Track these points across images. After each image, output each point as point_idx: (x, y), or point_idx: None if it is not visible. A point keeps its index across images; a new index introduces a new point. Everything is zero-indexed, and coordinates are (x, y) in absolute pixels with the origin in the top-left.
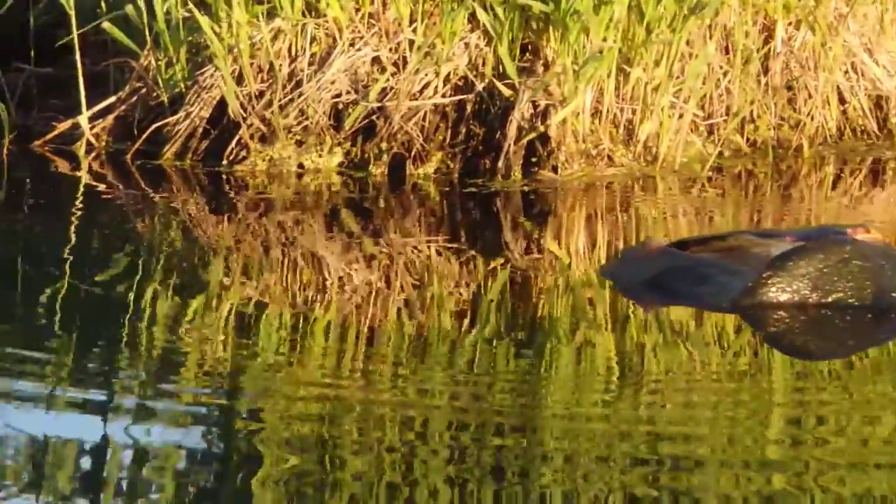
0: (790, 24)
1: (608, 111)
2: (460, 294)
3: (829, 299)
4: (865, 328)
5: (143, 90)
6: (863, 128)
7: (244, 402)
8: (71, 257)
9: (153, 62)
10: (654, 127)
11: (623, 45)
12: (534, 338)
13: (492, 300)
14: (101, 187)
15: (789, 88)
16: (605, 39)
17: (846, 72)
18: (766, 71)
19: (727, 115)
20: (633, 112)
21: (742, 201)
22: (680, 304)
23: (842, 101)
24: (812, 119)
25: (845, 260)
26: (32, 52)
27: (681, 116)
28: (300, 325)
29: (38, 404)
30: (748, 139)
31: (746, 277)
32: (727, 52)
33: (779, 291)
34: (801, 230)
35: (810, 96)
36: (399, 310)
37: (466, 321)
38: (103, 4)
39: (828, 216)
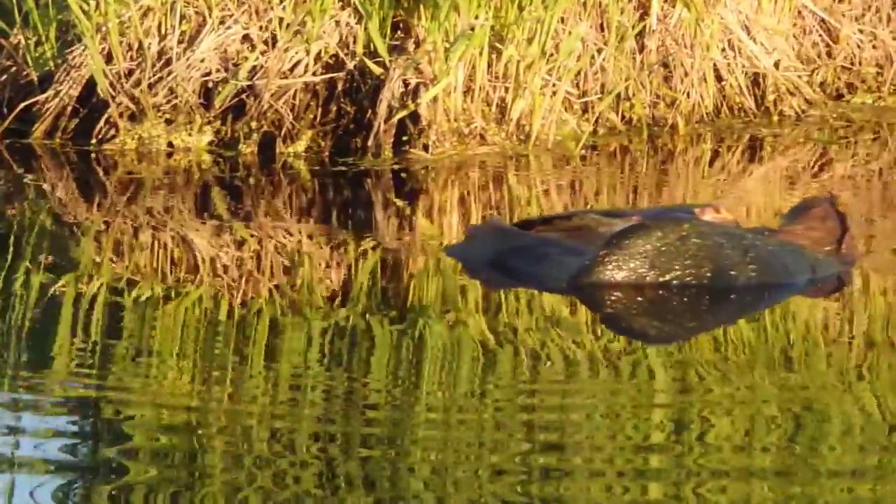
0: (666, 1)
1: (480, 89)
2: (329, 276)
3: (667, 278)
4: (701, 308)
5: (13, 69)
6: (740, 105)
7: (108, 391)
8: None
9: (23, 40)
10: (526, 105)
11: (496, 22)
12: (388, 321)
13: (361, 283)
14: None
15: (665, 66)
16: (476, 17)
17: (723, 49)
18: (641, 49)
19: (602, 93)
20: (506, 90)
21: (617, 178)
22: (520, 283)
23: (719, 78)
24: (688, 97)
25: (683, 238)
26: None
27: (554, 94)
28: (168, 309)
29: None
30: (623, 117)
31: (585, 256)
32: (602, 30)
33: (615, 270)
34: (648, 210)
35: (686, 74)
36: (269, 292)
37: (335, 304)
38: None
39: (705, 194)
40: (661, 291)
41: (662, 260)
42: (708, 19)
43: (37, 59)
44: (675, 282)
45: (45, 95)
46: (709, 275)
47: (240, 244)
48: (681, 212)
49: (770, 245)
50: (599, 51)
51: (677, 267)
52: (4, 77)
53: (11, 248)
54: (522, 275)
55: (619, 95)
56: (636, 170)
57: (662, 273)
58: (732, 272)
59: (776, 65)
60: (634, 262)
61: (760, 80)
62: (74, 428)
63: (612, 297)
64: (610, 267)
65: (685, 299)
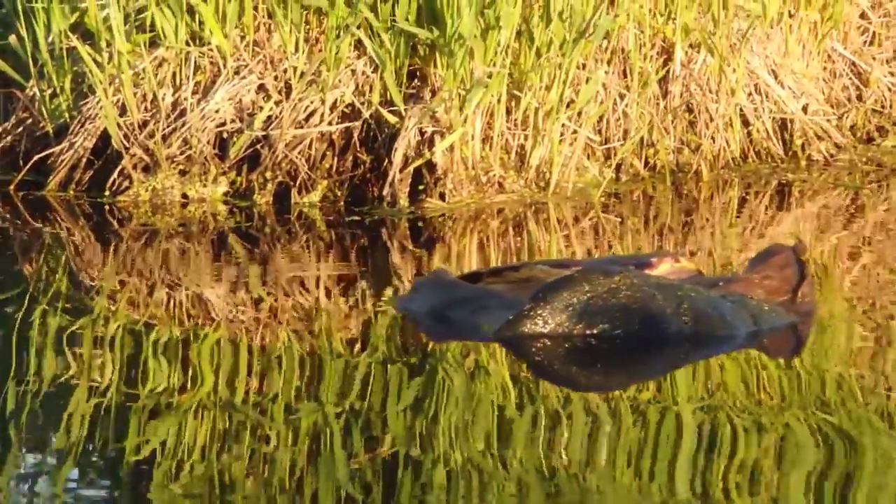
0: (690, 46)
1: (499, 137)
2: (344, 327)
3: (594, 331)
4: (621, 361)
5: (29, 120)
6: (767, 150)
7: (131, 438)
8: None
9: (38, 92)
10: (546, 152)
11: (513, 69)
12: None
13: (377, 334)
14: None
15: (689, 111)
16: (493, 65)
17: (750, 94)
18: (665, 94)
19: (625, 139)
20: (525, 138)
21: (640, 226)
22: (452, 335)
23: (745, 123)
24: (713, 142)
25: (612, 290)
26: None
27: (574, 141)
28: (186, 358)
29: None
30: (647, 163)
31: (515, 309)
32: (625, 76)
33: (541, 323)
34: (598, 260)
35: (711, 119)
36: (285, 343)
37: (352, 355)
38: None
39: (732, 240)
40: (590, 343)
41: (589, 313)
42: (733, 64)
43: (52, 111)
44: (602, 335)
45: (59, 147)
46: (638, 327)
47: (255, 297)
48: (635, 262)
49: (709, 296)
50: (622, 96)
51: (605, 320)
52: (20, 129)
53: (27, 300)
54: (457, 326)
55: (642, 141)
56: (660, 217)
57: (589, 326)
58: (663, 324)
59: (804, 109)
60: (560, 315)
61: (788, 124)
62: (91, 479)
63: (536, 349)
64: (536, 320)
65: (613, 351)
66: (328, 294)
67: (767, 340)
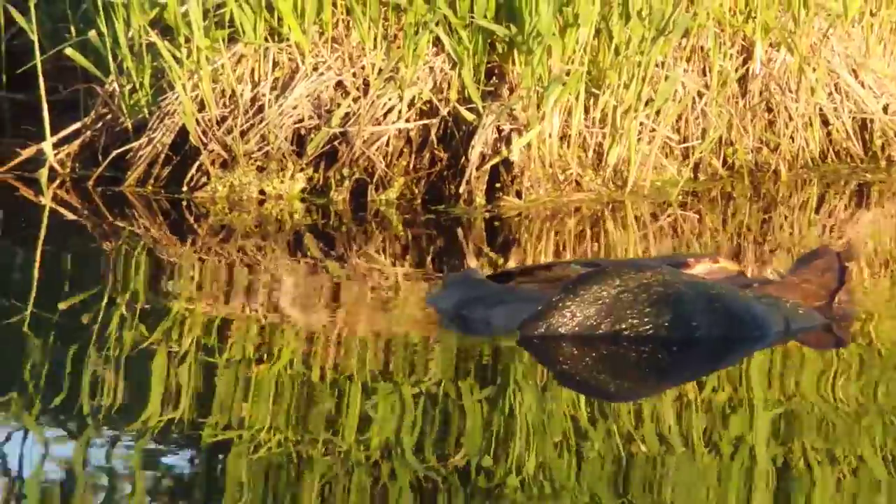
0: (770, 44)
1: (577, 135)
2: (422, 328)
3: (621, 327)
4: (658, 360)
5: (109, 116)
6: (846, 150)
7: (206, 435)
8: (30, 286)
9: (117, 88)
10: (623, 151)
11: (591, 67)
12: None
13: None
14: (63, 214)
15: (769, 111)
16: (571, 62)
17: (830, 93)
18: (744, 93)
19: (703, 138)
20: (603, 136)
21: (718, 225)
22: (477, 331)
23: (825, 123)
24: (792, 141)
25: (643, 286)
26: (5, 77)
27: (652, 140)
28: (262, 356)
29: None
30: (725, 162)
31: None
32: (704, 74)
33: (568, 318)
34: (636, 260)
35: (791, 119)
36: (361, 348)
37: (427, 360)
38: (73, 30)
39: (811, 240)
40: (616, 340)
41: (618, 309)
42: (813, 63)
43: (131, 107)
44: (631, 331)
45: (138, 143)
46: (667, 325)
47: (333, 293)
48: (673, 261)
49: (741, 297)
50: (700, 95)
51: (634, 316)
52: (100, 124)
53: (105, 297)
54: (482, 323)
55: (721, 140)
56: (738, 216)
57: (617, 322)
58: (693, 323)
59: (885, 109)
60: (588, 309)
61: (868, 124)
62: (172, 454)
63: (561, 346)
64: (562, 315)
65: (642, 349)
66: (400, 290)
67: (798, 342)
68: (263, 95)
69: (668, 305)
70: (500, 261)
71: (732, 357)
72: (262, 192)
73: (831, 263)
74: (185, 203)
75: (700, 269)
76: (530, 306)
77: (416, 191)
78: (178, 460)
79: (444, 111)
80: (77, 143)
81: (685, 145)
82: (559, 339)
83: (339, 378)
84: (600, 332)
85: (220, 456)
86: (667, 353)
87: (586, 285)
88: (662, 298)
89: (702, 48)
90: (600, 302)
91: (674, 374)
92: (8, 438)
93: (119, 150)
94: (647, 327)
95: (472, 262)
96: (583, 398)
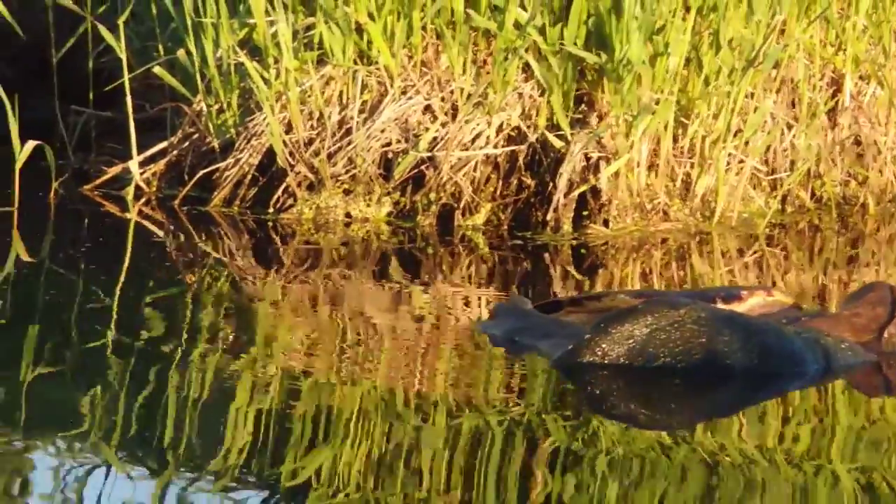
0: (860, 77)
1: (665, 164)
2: (505, 360)
3: (655, 364)
4: (681, 397)
5: (195, 135)
6: None
7: (289, 464)
8: (115, 304)
9: (205, 108)
10: (711, 181)
11: (681, 97)
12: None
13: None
14: (149, 233)
15: (857, 143)
16: (661, 91)
17: None
18: (833, 125)
19: (791, 170)
20: (691, 166)
21: (805, 259)
22: (517, 361)
23: None
24: (881, 175)
25: (676, 323)
26: (91, 95)
27: (740, 171)
28: (348, 379)
29: (83, 455)
30: (813, 195)
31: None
32: (793, 106)
33: (600, 354)
34: (689, 292)
35: (879, 152)
36: (447, 374)
37: (512, 391)
38: (161, 48)
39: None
40: (648, 377)
41: (651, 346)
42: None
43: (218, 127)
44: (663, 369)
45: (225, 163)
46: (701, 362)
47: (416, 315)
48: (725, 294)
49: (780, 332)
50: (789, 127)
51: (666, 353)
52: (186, 144)
53: (189, 317)
54: (522, 352)
55: (809, 172)
56: (825, 250)
57: (650, 359)
58: (728, 360)
59: None
60: (620, 347)
61: None
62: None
63: (594, 380)
64: (594, 350)
65: (673, 386)
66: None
67: (839, 379)
68: (351, 118)
69: (701, 343)
70: (587, 287)
71: (766, 393)
72: (348, 214)
73: (884, 297)
74: (270, 224)
75: (753, 301)
76: (573, 340)
77: (503, 217)
78: (259, 498)
79: (532, 137)
80: (163, 161)
81: (773, 177)
82: (589, 374)
83: (418, 406)
84: (632, 369)
85: (299, 487)
86: (699, 390)
87: (618, 323)
88: (696, 335)
89: (791, 80)
90: (631, 340)
91: (704, 411)
92: (88, 473)
93: (205, 170)
94: (680, 365)
95: (557, 290)
96: (608, 432)
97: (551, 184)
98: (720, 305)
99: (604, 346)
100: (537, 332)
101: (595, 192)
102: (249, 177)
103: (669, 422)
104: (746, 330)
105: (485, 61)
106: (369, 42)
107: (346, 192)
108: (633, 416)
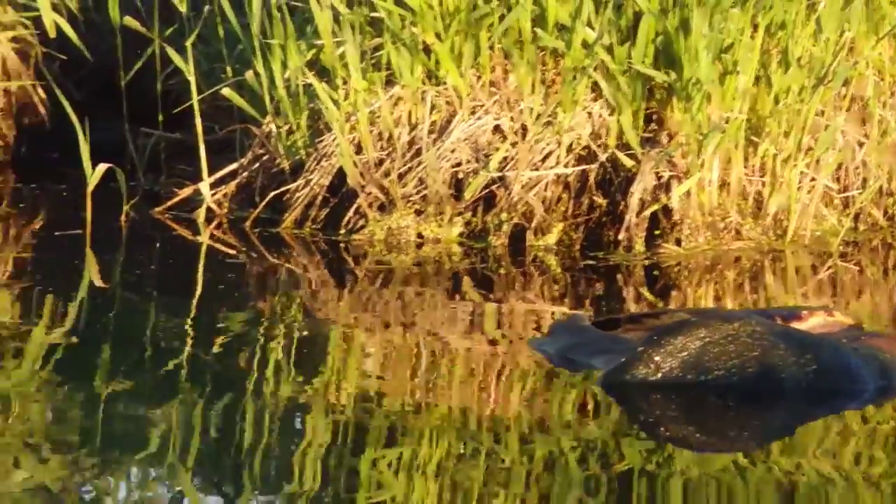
0: None
1: (736, 183)
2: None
3: (706, 378)
4: (735, 414)
5: (265, 157)
6: None
7: (364, 491)
8: (188, 326)
9: (274, 129)
10: (783, 200)
11: (751, 115)
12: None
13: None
14: (220, 255)
15: None
16: (731, 110)
17: None
18: None
19: (863, 187)
20: (763, 184)
21: (878, 276)
22: (565, 377)
23: None
24: None
25: (730, 337)
26: (161, 118)
27: (812, 189)
28: (422, 401)
29: (157, 477)
30: (886, 212)
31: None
32: (864, 123)
33: (653, 367)
34: (749, 311)
35: None
36: (521, 397)
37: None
38: (229, 70)
39: None
40: (700, 391)
41: (704, 360)
42: None
43: (288, 148)
44: (716, 383)
45: (295, 184)
46: (754, 377)
47: (489, 337)
48: (786, 314)
49: (837, 348)
50: (860, 144)
51: (719, 368)
52: (256, 165)
53: (262, 339)
54: (576, 368)
55: (881, 190)
56: None
57: (702, 373)
58: (782, 375)
59: None
60: (673, 360)
61: None
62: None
63: (642, 395)
64: (647, 364)
65: (727, 402)
66: None
67: (885, 396)
68: (421, 139)
69: (755, 357)
70: (660, 307)
71: (823, 410)
72: (419, 235)
73: None
74: (342, 245)
75: (814, 321)
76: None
77: (575, 237)
78: None
79: (602, 157)
80: (234, 183)
81: (845, 195)
82: (643, 389)
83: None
84: (685, 382)
85: None
86: (752, 405)
87: (671, 336)
88: (750, 349)
89: (861, 97)
90: (685, 353)
91: (756, 429)
92: (161, 495)
93: (276, 192)
94: (734, 379)
95: (630, 310)
96: (659, 448)
97: (623, 203)
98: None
99: (657, 358)
100: (592, 349)
101: (667, 211)
102: (320, 198)
103: (734, 442)
104: (802, 344)
105: (553, 81)
106: (437, 62)
107: (418, 213)
108: (694, 435)
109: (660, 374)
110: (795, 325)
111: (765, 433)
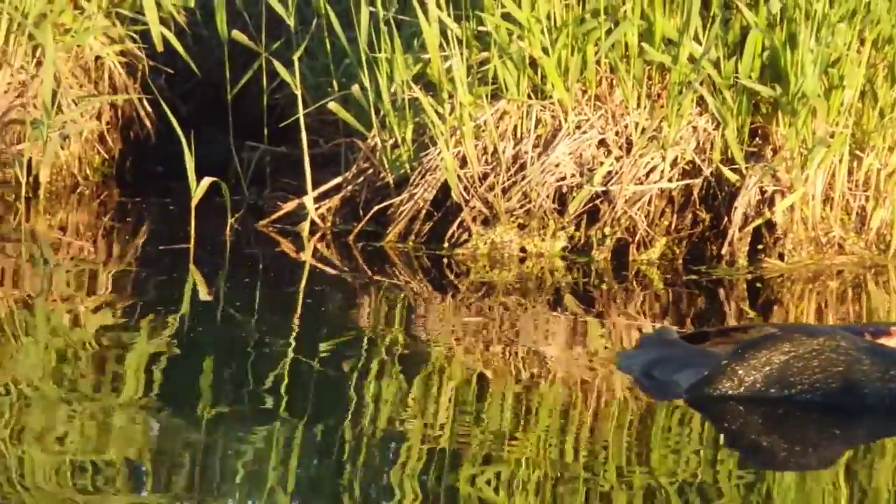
0: None
1: (840, 197)
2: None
3: (790, 392)
4: (819, 429)
5: (370, 171)
6: None
7: (465, 485)
8: (291, 340)
9: (379, 143)
10: (887, 214)
11: (856, 130)
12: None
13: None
14: (324, 269)
15: None
16: (836, 124)
17: None
18: None
19: None
20: (866, 199)
21: None
22: (655, 392)
23: None
24: None
25: (815, 352)
26: (266, 132)
27: None
28: (519, 414)
29: (259, 493)
30: None
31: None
32: None
33: (736, 381)
34: (831, 326)
35: None
36: (618, 406)
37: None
38: (335, 84)
39: None
40: (784, 405)
41: (788, 374)
42: None
43: (392, 162)
44: (799, 398)
45: (399, 198)
46: (837, 392)
47: (591, 351)
48: (874, 329)
49: None
50: None
51: (803, 382)
52: (361, 179)
53: (364, 351)
54: (669, 384)
55: None
56: None
57: (786, 388)
58: (865, 391)
59: None
60: (756, 374)
61: None
62: None
63: (727, 409)
64: (731, 378)
65: (810, 417)
66: None
67: None
68: (525, 153)
69: (839, 372)
70: (762, 320)
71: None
72: (522, 249)
73: None
74: (445, 259)
75: None
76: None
77: (678, 251)
78: None
79: (706, 171)
80: (338, 197)
81: None
82: (726, 402)
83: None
84: (768, 397)
85: None
86: (836, 421)
87: (755, 350)
88: (834, 364)
89: None
90: (768, 367)
91: (839, 444)
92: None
93: (380, 205)
94: (817, 393)
95: (734, 321)
96: (741, 463)
97: (726, 217)
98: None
99: (740, 372)
100: (678, 364)
101: (770, 225)
102: (424, 212)
103: (821, 459)
104: (886, 360)
105: (659, 95)
106: (543, 76)
107: (521, 227)
108: (772, 448)
109: (742, 388)
110: (884, 340)
111: (842, 447)
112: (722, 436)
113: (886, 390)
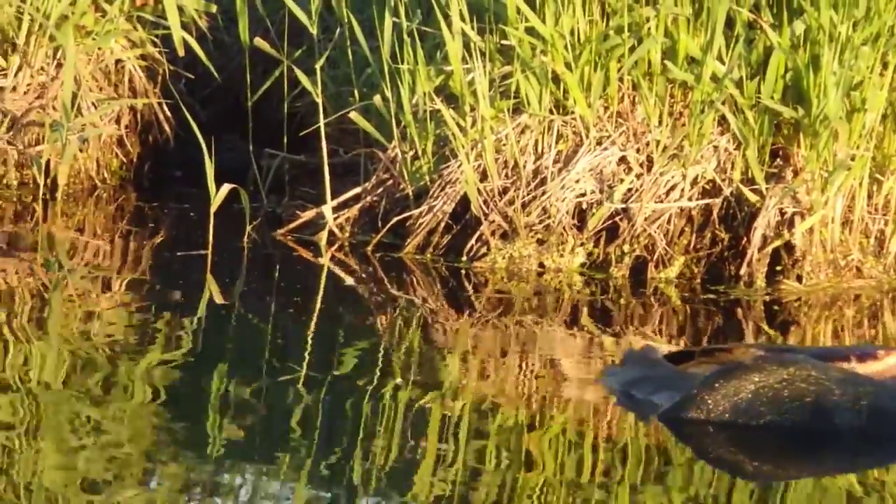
0: None
1: (859, 221)
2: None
3: (760, 422)
4: (790, 455)
5: (390, 181)
6: None
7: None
8: (306, 349)
9: (399, 154)
10: None
11: (876, 153)
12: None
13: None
14: (341, 279)
15: None
16: (857, 147)
17: None
18: None
19: None
20: (885, 223)
21: None
22: (633, 411)
23: None
24: None
25: (785, 381)
26: (286, 139)
27: None
28: (534, 435)
29: (272, 498)
30: None
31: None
32: None
33: (705, 410)
34: (823, 348)
35: None
36: (629, 425)
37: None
38: (356, 94)
39: None
40: (753, 434)
41: (757, 404)
42: None
43: (412, 173)
44: (768, 427)
45: (419, 210)
46: (807, 421)
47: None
48: (860, 353)
49: (892, 392)
50: None
51: (772, 412)
52: (380, 190)
53: (380, 363)
54: (639, 403)
55: None
56: None
57: (754, 417)
58: (836, 420)
59: None
60: (725, 403)
61: None
62: None
63: (696, 435)
64: (700, 406)
65: (777, 444)
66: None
67: None
68: (546, 168)
69: (808, 402)
70: (779, 343)
71: (873, 458)
72: (540, 264)
73: None
74: (463, 272)
75: (891, 360)
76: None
77: (696, 270)
78: None
79: (726, 191)
80: (357, 207)
81: None
82: (697, 428)
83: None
84: (737, 426)
85: None
86: (805, 449)
87: (725, 379)
88: (804, 394)
89: None
90: (737, 397)
91: (807, 469)
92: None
93: (399, 217)
94: (786, 423)
95: (750, 342)
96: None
97: (745, 238)
98: (854, 364)
99: (709, 402)
100: (656, 384)
101: (789, 247)
102: (443, 224)
103: (764, 478)
104: (858, 390)
105: (681, 113)
106: (566, 92)
107: (540, 242)
108: (738, 470)
109: (713, 416)
110: (871, 363)
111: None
112: (684, 461)
113: (857, 421)
